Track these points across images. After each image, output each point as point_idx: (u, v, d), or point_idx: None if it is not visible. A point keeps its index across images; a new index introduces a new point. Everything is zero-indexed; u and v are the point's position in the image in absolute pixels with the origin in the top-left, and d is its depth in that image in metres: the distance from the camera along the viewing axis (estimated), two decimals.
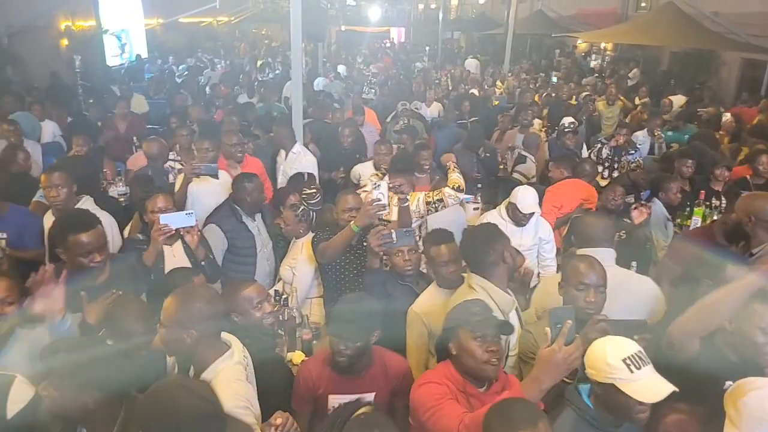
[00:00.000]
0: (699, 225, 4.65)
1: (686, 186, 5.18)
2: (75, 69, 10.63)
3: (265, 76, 13.12)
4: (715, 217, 4.69)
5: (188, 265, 3.35)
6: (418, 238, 3.70)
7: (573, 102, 9.96)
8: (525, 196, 4.01)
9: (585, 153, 6.97)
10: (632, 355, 1.94)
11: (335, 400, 2.53)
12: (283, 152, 5.51)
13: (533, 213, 4.04)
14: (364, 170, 5.37)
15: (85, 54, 11.48)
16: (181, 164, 5.15)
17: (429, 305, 2.92)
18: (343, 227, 3.32)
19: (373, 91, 11.05)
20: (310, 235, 3.79)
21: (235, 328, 2.56)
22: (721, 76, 12.55)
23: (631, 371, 1.91)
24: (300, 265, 3.78)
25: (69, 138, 6.34)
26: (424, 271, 3.46)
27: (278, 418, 1.89)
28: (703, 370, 2.13)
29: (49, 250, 3.58)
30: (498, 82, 12.97)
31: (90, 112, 8.25)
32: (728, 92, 11.91)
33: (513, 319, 2.71)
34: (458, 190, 3.83)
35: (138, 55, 15.25)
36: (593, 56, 18.24)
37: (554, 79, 13.07)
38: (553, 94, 10.47)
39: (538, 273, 4.25)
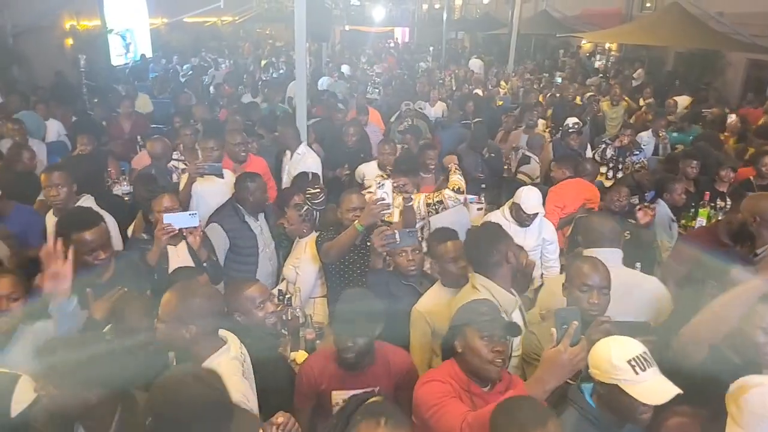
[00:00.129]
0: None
1: (691, 187, 5.17)
2: (80, 68, 10.64)
3: (269, 76, 13.14)
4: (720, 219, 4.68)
5: (192, 265, 3.36)
6: (420, 239, 3.70)
7: (578, 102, 9.94)
8: (529, 197, 4.00)
9: (589, 153, 6.96)
10: (637, 357, 1.93)
11: (339, 397, 2.54)
12: (288, 153, 5.52)
13: (537, 213, 4.04)
14: (369, 170, 5.37)
15: (90, 53, 11.49)
16: (185, 164, 5.15)
17: (433, 304, 2.93)
18: (347, 227, 3.32)
19: (377, 91, 11.06)
20: (314, 234, 3.80)
21: (237, 327, 2.57)
22: (726, 77, 12.50)
23: (636, 373, 1.90)
24: (303, 265, 3.78)
25: (73, 137, 6.37)
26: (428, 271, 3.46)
27: (279, 417, 1.90)
28: (706, 373, 2.12)
29: None
30: (502, 83, 12.96)
31: (95, 112, 8.28)
32: (733, 93, 11.87)
33: (517, 319, 2.71)
34: (458, 192, 3.82)
35: (142, 55, 15.29)
36: (598, 56, 18.17)
37: (558, 80, 13.05)
38: (558, 95, 10.46)
39: (542, 274, 4.25)
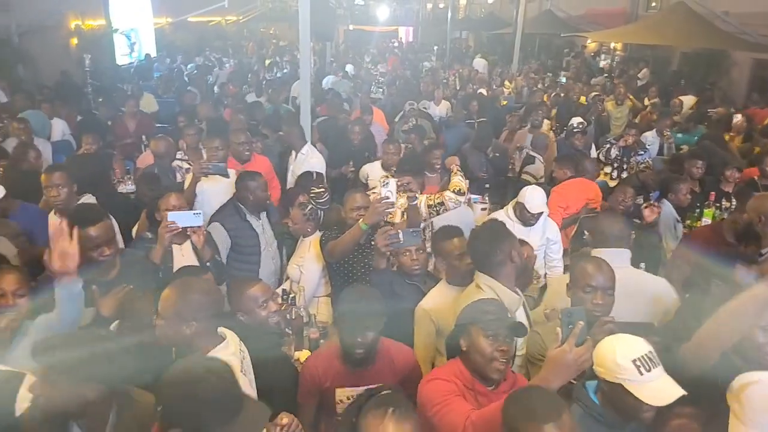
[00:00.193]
0: None
1: (696, 187, 5.15)
2: (85, 68, 10.69)
3: (273, 75, 13.16)
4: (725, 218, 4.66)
5: (197, 264, 3.37)
6: (423, 239, 3.69)
7: (583, 101, 9.91)
8: (533, 196, 4.00)
9: (593, 153, 6.94)
10: (642, 357, 1.92)
11: (342, 394, 2.55)
12: (294, 152, 5.51)
13: (541, 213, 4.03)
14: (372, 170, 5.35)
15: (95, 53, 11.55)
16: (189, 164, 5.16)
17: (438, 302, 2.93)
18: (351, 226, 3.32)
19: (381, 90, 11.05)
20: (318, 233, 3.80)
21: (241, 326, 2.58)
22: (731, 77, 12.44)
23: (641, 373, 1.89)
24: (307, 264, 3.79)
25: (78, 136, 6.39)
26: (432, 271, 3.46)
27: (284, 419, 1.90)
28: (708, 374, 2.11)
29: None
30: (506, 82, 12.93)
31: (100, 111, 8.30)
32: (739, 93, 11.81)
33: (521, 317, 2.71)
34: (459, 193, 3.81)
35: (147, 54, 15.32)
36: (603, 56, 18.13)
37: (563, 80, 13.02)
38: (562, 94, 10.43)
39: (545, 273, 4.24)
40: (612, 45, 17.58)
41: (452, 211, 3.93)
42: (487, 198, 5.39)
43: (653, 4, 15.54)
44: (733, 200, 5.05)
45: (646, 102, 9.73)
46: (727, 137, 7.02)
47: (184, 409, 1.74)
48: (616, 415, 2.00)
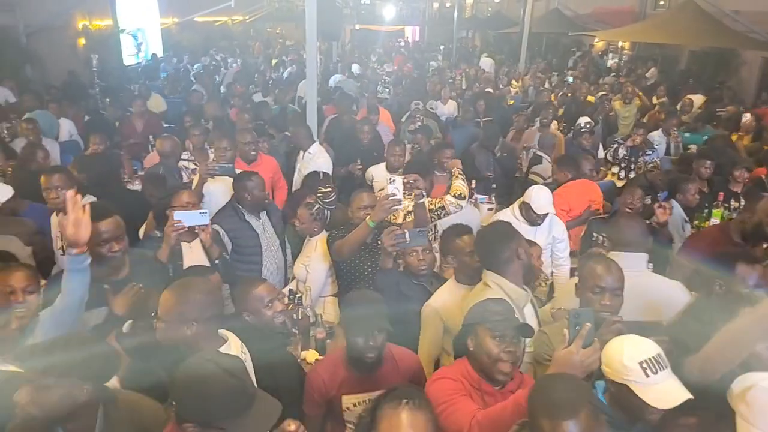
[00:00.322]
0: None
1: (704, 187, 5.11)
2: (92, 68, 10.73)
3: (279, 75, 13.17)
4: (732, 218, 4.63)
5: (206, 262, 3.37)
6: (431, 238, 3.68)
7: (591, 99, 9.86)
8: (539, 196, 3.98)
9: (601, 153, 6.91)
10: (650, 359, 1.91)
11: (349, 401, 2.54)
12: (301, 152, 5.51)
13: (547, 213, 4.01)
14: (377, 172, 5.30)
15: (102, 53, 11.58)
16: (195, 164, 5.17)
17: (446, 301, 2.93)
18: (357, 225, 3.32)
19: (387, 90, 11.04)
20: (325, 233, 3.80)
21: (245, 326, 2.58)
22: (741, 76, 12.35)
23: (647, 375, 1.89)
24: (314, 263, 3.79)
25: (85, 136, 6.41)
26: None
27: (291, 425, 1.90)
28: (716, 387, 2.09)
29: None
30: (513, 81, 12.90)
31: (107, 111, 8.34)
32: (748, 92, 11.73)
33: (530, 313, 2.70)
34: (460, 197, 3.79)
35: (153, 54, 15.38)
36: (610, 55, 18.04)
37: (570, 79, 12.96)
38: (569, 94, 10.39)
39: (552, 272, 4.23)
40: (620, 44, 17.50)
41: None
42: (493, 198, 5.37)
43: (662, 2, 15.45)
44: (742, 200, 5.02)
45: (655, 101, 9.67)
46: (736, 137, 6.98)
47: (197, 404, 1.76)
48: (623, 415, 1.99)
